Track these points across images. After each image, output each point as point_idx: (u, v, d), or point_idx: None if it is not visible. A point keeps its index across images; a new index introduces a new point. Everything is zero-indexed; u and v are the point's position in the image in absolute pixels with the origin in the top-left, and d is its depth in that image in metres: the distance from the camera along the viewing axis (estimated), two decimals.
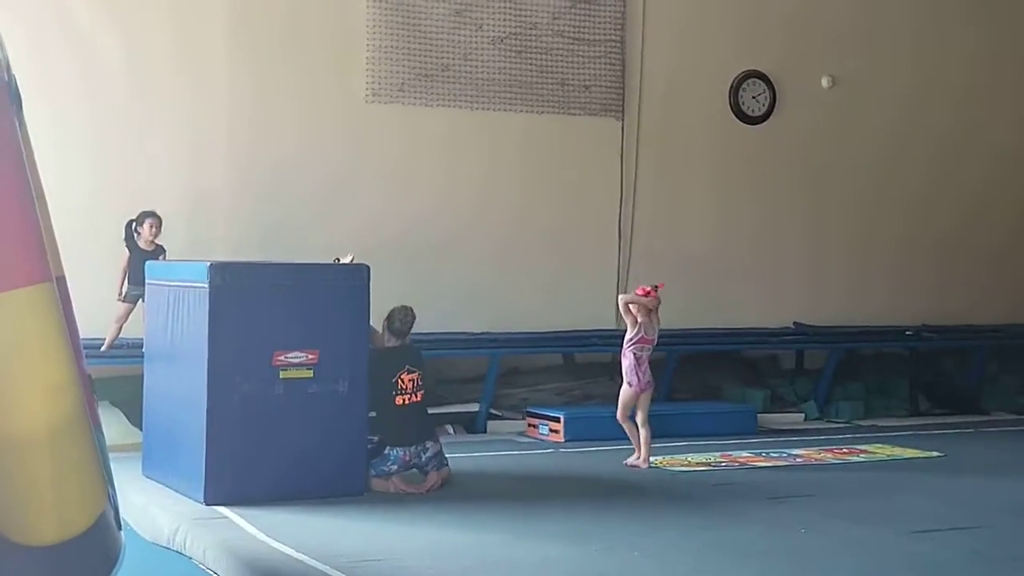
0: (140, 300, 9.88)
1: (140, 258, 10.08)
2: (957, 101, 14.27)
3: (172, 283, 8.79)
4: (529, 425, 11.65)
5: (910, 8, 14.06)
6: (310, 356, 8.34)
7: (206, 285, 8.19)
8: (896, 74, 13.99)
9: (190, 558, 7.25)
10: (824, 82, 13.78)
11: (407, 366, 8.85)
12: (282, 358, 8.27)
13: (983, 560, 6.97)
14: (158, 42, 11.29)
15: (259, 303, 8.28)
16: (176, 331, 8.63)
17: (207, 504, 8.01)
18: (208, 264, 8.29)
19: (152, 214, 10.40)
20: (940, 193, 14.20)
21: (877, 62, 13.94)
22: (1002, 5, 14.47)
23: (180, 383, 8.54)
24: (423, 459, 8.75)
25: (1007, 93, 14.49)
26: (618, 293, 11.92)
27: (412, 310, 9.04)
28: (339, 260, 9.08)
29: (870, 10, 13.90)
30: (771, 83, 13.56)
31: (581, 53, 12.84)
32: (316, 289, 8.55)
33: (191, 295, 8.40)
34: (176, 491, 8.38)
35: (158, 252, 10.28)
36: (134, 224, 10.39)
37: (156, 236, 10.35)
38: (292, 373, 8.29)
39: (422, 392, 8.92)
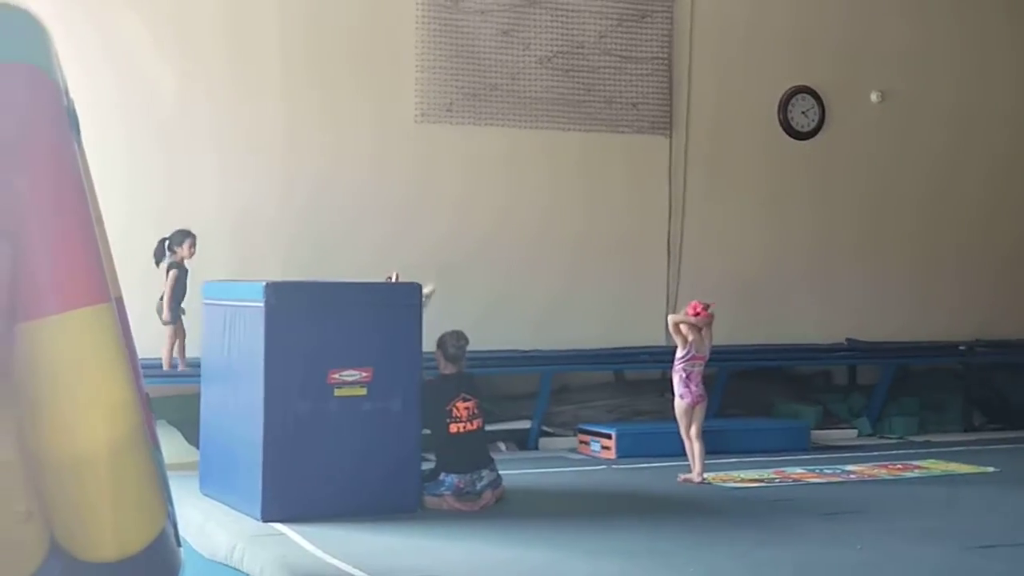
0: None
1: (184, 277, 10.26)
2: (1007, 118, 14.16)
3: (228, 302, 8.83)
4: (580, 442, 11.64)
5: (958, 26, 13.96)
6: (364, 374, 8.37)
7: (262, 304, 8.24)
8: (946, 90, 13.91)
9: (247, 574, 7.30)
10: (873, 97, 13.72)
11: (462, 394, 8.86)
12: (336, 376, 8.30)
13: None
14: (212, 64, 11.41)
15: (314, 321, 8.31)
16: (232, 350, 8.68)
17: (264, 521, 8.06)
18: (264, 283, 8.33)
19: (190, 233, 10.39)
20: (996, 208, 14.09)
21: (927, 78, 13.86)
22: None
23: (237, 401, 8.58)
24: (477, 487, 8.73)
25: None
26: (667, 310, 11.91)
27: (464, 334, 9.07)
28: (391, 278, 9.12)
29: (918, 27, 13.82)
30: (820, 98, 13.52)
31: (628, 71, 12.85)
32: (370, 307, 8.57)
33: (247, 314, 8.45)
34: (233, 508, 8.43)
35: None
36: (168, 243, 10.41)
37: (193, 255, 10.42)
38: (346, 391, 8.32)
39: (479, 420, 8.91)
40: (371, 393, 8.39)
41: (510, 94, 12.43)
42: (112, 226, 6.07)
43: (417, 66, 12.04)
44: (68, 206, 5.58)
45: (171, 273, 10.30)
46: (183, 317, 10.29)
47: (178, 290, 10.28)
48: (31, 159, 5.47)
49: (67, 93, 5.83)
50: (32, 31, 5.65)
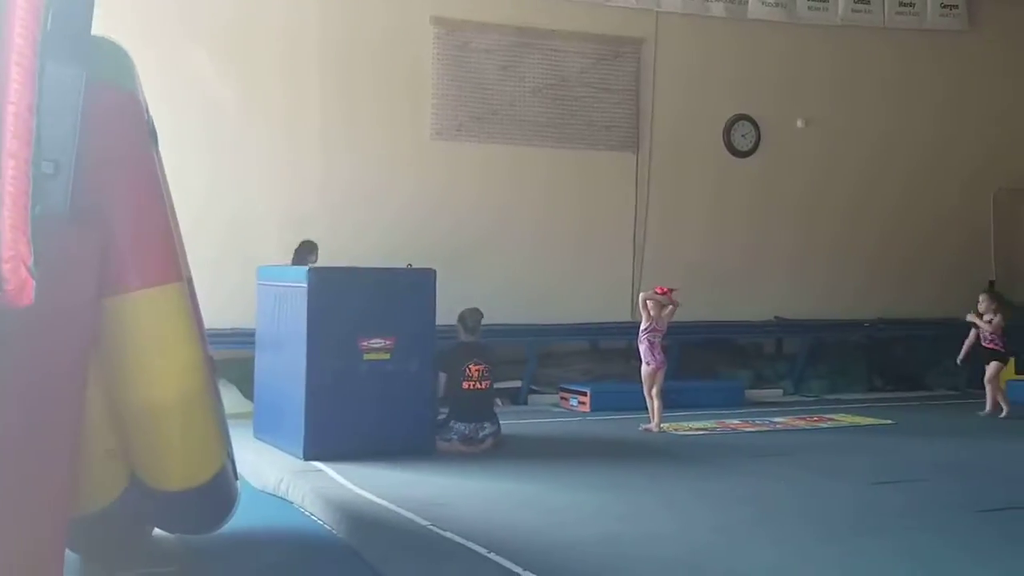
0: None
1: None
2: (922, 141, 14.04)
3: (279, 284, 8.79)
4: (562, 398, 11.58)
5: (878, 62, 13.86)
6: (388, 342, 8.31)
7: (305, 285, 8.20)
8: (858, 117, 13.80)
9: (291, 502, 7.26)
10: (799, 123, 13.63)
11: (475, 359, 8.83)
12: (365, 343, 8.25)
13: (923, 506, 6.87)
14: (266, 91, 11.36)
15: (347, 299, 8.26)
16: (281, 322, 8.64)
17: (306, 460, 8.01)
18: (307, 268, 8.30)
19: (312, 243, 10.54)
20: (902, 218, 13.94)
21: (843, 107, 13.76)
22: (962, 58, 14.26)
23: (284, 363, 8.53)
24: (479, 435, 8.68)
25: (934, 123, 14.28)
26: (633, 293, 11.84)
27: (480, 311, 9.05)
28: (411, 265, 9.06)
29: (840, 63, 13.72)
30: (756, 124, 13.44)
31: (604, 100, 12.76)
32: (393, 288, 8.53)
33: (294, 293, 8.40)
34: (280, 449, 8.38)
35: None
36: (300, 252, 10.49)
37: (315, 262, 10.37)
38: (373, 355, 8.27)
39: (488, 382, 8.86)
40: (394, 357, 8.33)
41: (508, 117, 12.36)
42: (185, 219, 6.00)
43: (433, 94, 11.97)
44: (147, 202, 5.52)
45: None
46: None
47: None
48: (119, 164, 5.42)
49: (147, 110, 5.77)
50: (121, 58, 5.59)
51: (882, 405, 11.74)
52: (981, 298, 11.25)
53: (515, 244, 12.25)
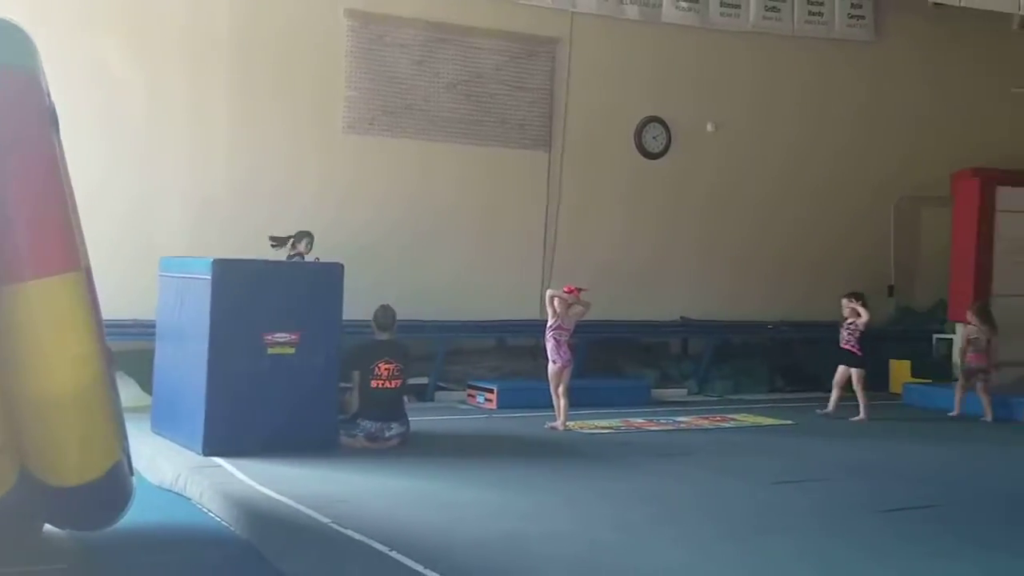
0: None
1: None
2: (833, 148, 14.31)
3: (181, 275, 8.62)
4: (469, 395, 11.56)
5: (785, 67, 14.10)
6: (293, 336, 8.21)
7: (209, 277, 8.04)
8: (773, 122, 14.04)
9: (189, 499, 7.12)
10: (709, 127, 13.80)
11: (386, 357, 8.74)
12: (269, 337, 8.13)
13: (823, 506, 6.99)
14: (174, 80, 11.12)
15: (252, 293, 8.13)
16: (183, 314, 8.48)
17: (204, 455, 7.87)
18: (211, 260, 8.14)
19: (309, 233, 10.49)
20: (809, 225, 14.17)
21: (755, 111, 13.98)
22: (869, 67, 14.55)
23: (185, 356, 8.37)
24: (386, 435, 8.59)
25: (841, 132, 14.60)
26: (542, 291, 11.84)
27: (391, 308, 8.97)
28: (318, 259, 8.96)
29: (750, 69, 13.91)
30: (667, 126, 13.57)
31: (518, 98, 12.76)
32: (299, 282, 8.44)
33: (197, 285, 8.24)
34: (178, 444, 8.22)
35: None
36: (292, 240, 10.44)
37: (309, 251, 10.41)
38: (278, 349, 8.15)
39: (398, 381, 8.78)
40: (299, 352, 8.23)
41: (422, 113, 12.28)
42: (81, 206, 5.84)
43: (346, 87, 11.84)
44: (46, 189, 5.41)
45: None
46: None
47: None
48: (17, 148, 5.28)
49: (49, 95, 5.61)
50: (22, 41, 5.45)
51: (784, 406, 11.93)
52: (844, 301, 11.20)
53: (425, 240, 12.19)
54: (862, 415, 10.84)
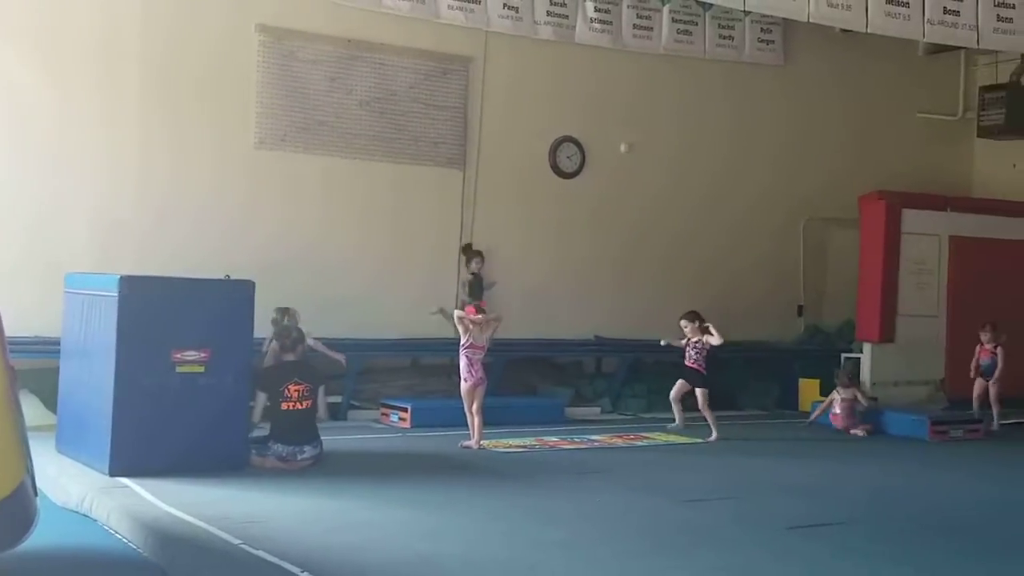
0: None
1: (477, 283, 12.39)
2: (747, 169, 14.62)
3: (87, 292, 8.47)
4: (382, 414, 11.53)
5: (698, 90, 14.37)
6: (202, 354, 8.10)
7: (116, 294, 7.92)
8: (686, 144, 14.30)
9: (96, 520, 6.98)
10: (622, 147, 14.00)
11: (295, 378, 8.67)
12: (179, 356, 8.02)
13: (739, 524, 7.12)
14: (83, 93, 10.95)
15: (160, 310, 8.02)
16: (89, 332, 8.32)
17: (111, 475, 7.72)
18: (119, 277, 8.01)
19: (480, 253, 12.46)
20: (720, 245, 14.46)
21: (669, 133, 14.22)
22: (780, 92, 14.89)
23: (91, 375, 8.21)
24: (298, 458, 8.51)
25: (754, 155, 14.93)
26: (455, 311, 11.90)
27: (291, 328, 8.95)
28: (228, 276, 8.87)
29: (663, 91, 14.15)
30: (581, 146, 13.73)
31: (432, 116, 12.80)
32: (209, 300, 8.34)
33: (103, 302, 8.11)
34: (85, 464, 8.05)
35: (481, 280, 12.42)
36: (465, 258, 12.36)
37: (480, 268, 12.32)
38: (187, 368, 8.04)
39: (309, 401, 8.71)
40: (208, 370, 8.13)
41: (335, 130, 12.25)
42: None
43: (257, 103, 11.77)
44: None
45: (469, 280, 12.37)
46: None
47: (476, 291, 12.23)
48: None
49: None
50: None
51: (697, 424, 12.09)
52: (684, 323, 11.29)
53: (338, 257, 12.14)
54: (714, 435, 10.88)
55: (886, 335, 13.58)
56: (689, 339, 11.15)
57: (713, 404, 13.47)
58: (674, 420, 11.47)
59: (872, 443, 11.15)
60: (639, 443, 10.65)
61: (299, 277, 11.56)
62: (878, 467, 9.75)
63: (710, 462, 9.65)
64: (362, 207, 12.41)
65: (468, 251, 12.65)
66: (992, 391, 12.41)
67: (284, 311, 9.82)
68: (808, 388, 13.58)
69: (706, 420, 11.06)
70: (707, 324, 11.11)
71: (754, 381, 14.15)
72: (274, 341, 9.09)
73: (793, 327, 15.14)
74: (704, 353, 11.08)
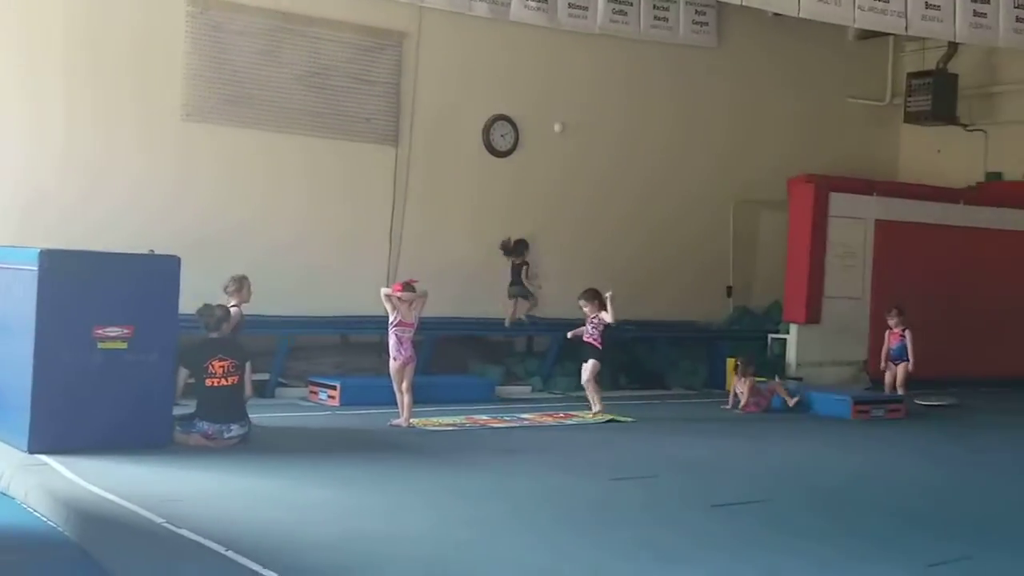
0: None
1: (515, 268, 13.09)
2: (659, 145, 14.70)
3: (6, 266, 8.27)
4: (311, 392, 11.43)
5: (624, 74, 14.40)
6: (126, 331, 7.97)
7: (36, 268, 7.75)
8: (620, 123, 14.33)
9: (13, 498, 6.84)
10: (556, 127, 14.00)
11: (220, 354, 8.56)
12: (100, 331, 7.88)
13: (663, 502, 7.20)
14: (5, 62, 10.69)
15: (82, 285, 7.87)
16: (8, 306, 8.14)
17: (31, 453, 7.58)
18: (39, 250, 7.84)
19: (525, 241, 13.16)
20: (641, 221, 14.54)
21: (603, 113, 14.24)
22: (714, 74, 14.97)
23: (11, 350, 8.03)
24: (224, 436, 8.41)
25: (688, 136, 15.02)
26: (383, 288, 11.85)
27: (223, 307, 8.86)
28: (153, 251, 8.72)
29: (597, 71, 14.16)
30: (515, 125, 13.70)
31: (365, 91, 12.70)
32: (133, 275, 8.20)
33: (22, 276, 7.93)
34: (4, 442, 7.88)
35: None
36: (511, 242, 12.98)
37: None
38: (109, 344, 7.90)
39: (235, 378, 8.60)
40: (132, 346, 8.01)
41: (267, 104, 12.11)
42: None
43: (184, 74, 11.56)
44: None
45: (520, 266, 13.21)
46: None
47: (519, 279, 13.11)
48: None
49: None
50: None
51: (625, 403, 12.18)
52: (583, 302, 11.09)
53: (267, 233, 12.00)
54: (597, 407, 10.81)
55: (812, 317, 13.80)
56: (588, 317, 11.02)
57: (641, 383, 13.70)
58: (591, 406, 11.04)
59: (796, 422, 11.31)
60: (568, 422, 10.69)
61: (227, 253, 11.37)
62: (800, 446, 9.90)
63: (637, 441, 9.73)
64: (293, 183, 12.29)
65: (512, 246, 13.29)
66: (900, 375, 12.61)
67: (241, 279, 9.66)
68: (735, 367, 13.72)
69: (593, 396, 10.96)
70: (606, 298, 10.87)
71: (683, 361, 14.27)
72: (233, 309, 9.01)
73: (722, 308, 15.30)
74: (601, 329, 10.95)
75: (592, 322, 11.01)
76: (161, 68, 11.46)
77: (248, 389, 8.81)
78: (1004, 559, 5.99)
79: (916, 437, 10.65)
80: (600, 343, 10.99)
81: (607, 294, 10.83)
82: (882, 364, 12.85)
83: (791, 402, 11.92)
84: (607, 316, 10.91)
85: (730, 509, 6.98)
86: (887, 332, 12.85)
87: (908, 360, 12.64)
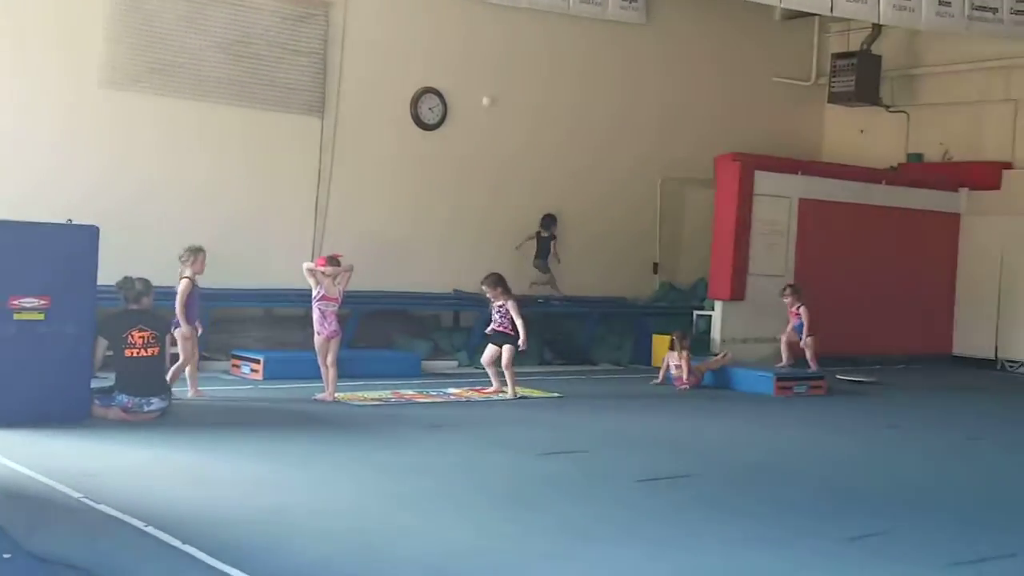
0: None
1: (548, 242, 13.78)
2: (608, 127, 14.77)
3: None
4: (234, 365, 11.29)
5: (560, 46, 14.37)
6: (42, 301, 7.78)
7: None
8: (547, 98, 14.32)
9: None
10: (484, 101, 13.94)
11: (139, 325, 8.41)
12: (16, 302, 7.68)
13: (589, 477, 7.23)
14: None
15: None
16: None
17: None
18: None
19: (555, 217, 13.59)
20: (579, 200, 14.55)
21: (531, 87, 14.22)
22: (641, 50, 15.01)
23: None
24: (145, 410, 8.26)
25: (615, 113, 15.06)
26: (313, 260, 11.71)
27: (144, 280, 8.66)
28: (71, 220, 8.50)
29: (526, 45, 14.14)
30: (443, 98, 13.61)
31: (290, 61, 12.52)
32: (49, 245, 7.99)
33: None
34: None
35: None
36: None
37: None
38: (25, 315, 7.72)
39: (155, 349, 8.45)
40: (49, 318, 7.83)
41: (190, 72, 11.90)
42: None
43: (104, 40, 11.28)
44: None
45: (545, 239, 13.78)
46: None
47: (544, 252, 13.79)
48: None
49: None
50: None
51: (552, 378, 12.24)
52: (485, 287, 10.81)
53: (190, 204, 11.81)
54: (510, 392, 10.58)
55: (736, 293, 13.98)
56: (493, 303, 10.68)
57: (567, 358, 13.75)
58: (495, 387, 10.87)
59: (719, 399, 11.46)
60: (495, 397, 10.69)
61: (149, 223, 11.22)
62: (724, 422, 10.02)
63: (564, 416, 9.77)
64: (216, 152, 12.09)
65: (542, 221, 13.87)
66: (808, 352, 12.82)
67: (196, 250, 9.50)
68: (661, 344, 13.82)
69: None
70: (499, 288, 10.59)
71: (609, 336, 14.36)
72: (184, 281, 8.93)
73: (649, 284, 15.42)
74: (508, 316, 10.60)
75: (500, 310, 10.64)
76: (81, 35, 11.18)
77: (167, 362, 8.66)
78: (921, 531, 6.12)
79: (837, 413, 10.85)
80: (510, 330, 10.59)
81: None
82: (782, 346, 13.03)
83: (725, 358, 12.22)
84: (513, 305, 10.52)
85: (655, 484, 7.04)
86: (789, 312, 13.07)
87: (802, 338, 12.85)
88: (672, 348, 12.18)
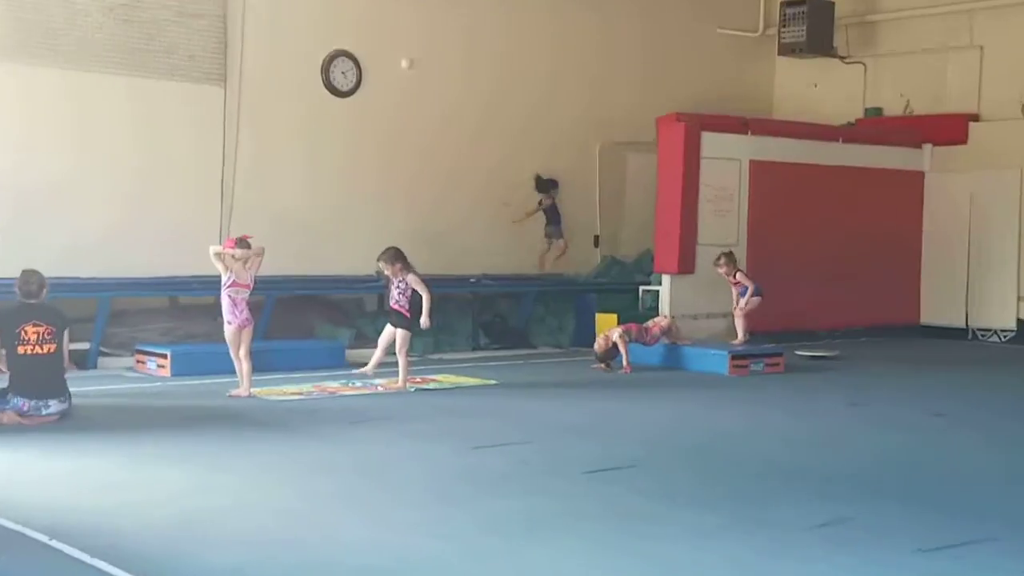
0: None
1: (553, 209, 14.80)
2: (539, 89, 14.97)
3: None
4: (138, 361, 11.33)
5: (488, 10, 14.50)
6: None
7: None
8: (474, 62, 14.46)
9: None
10: (403, 64, 14.02)
11: (33, 319, 8.44)
12: None
13: (528, 468, 7.40)
14: None
15: None
16: None
17: None
18: None
19: (556, 183, 14.53)
20: (508, 171, 14.73)
21: (456, 50, 14.34)
22: (578, 11, 15.20)
23: None
24: (42, 413, 8.32)
25: (546, 73, 15.23)
26: (221, 242, 11.74)
27: (38, 273, 8.66)
28: None
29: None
30: (358, 62, 13.67)
31: (187, 25, 12.51)
32: None
33: None
34: None
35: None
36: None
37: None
38: None
39: (51, 346, 8.50)
40: None
41: (72, 39, 11.85)
42: None
43: None
44: None
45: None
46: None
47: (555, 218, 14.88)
48: None
49: None
50: None
51: (487, 364, 12.39)
52: (382, 263, 10.78)
53: (82, 186, 11.79)
54: (400, 382, 10.61)
55: (685, 266, 14.12)
56: (392, 280, 10.70)
57: (504, 342, 13.90)
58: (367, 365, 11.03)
59: (671, 379, 11.70)
60: (426, 387, 10.83)
61: (36, 209, 11.18)
62: (676, 406, 10.22)
63: (501, 406, 9.92)
64: (106, 127, 12.06)
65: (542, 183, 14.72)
66: (739, 321, 13.10)
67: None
68: (605, 322, 13.98)
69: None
70: (399, 264, 10.62)
71: (549, 317, 14.54)
72: None
73: (590, 259, 15.61)
74: (408, 295, 10.66)
75: (398, 287, 10.67)
76: None
77: (67, 360, 8.69)
78: (886, 517, 6.31)
79: (796, 392, 11.10)
80: (408, 311, 10.65)
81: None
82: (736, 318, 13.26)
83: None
84: (411, 278, 10.57)
85: (603, 475, 7.20)
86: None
87: (740, 304, 13.05)
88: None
